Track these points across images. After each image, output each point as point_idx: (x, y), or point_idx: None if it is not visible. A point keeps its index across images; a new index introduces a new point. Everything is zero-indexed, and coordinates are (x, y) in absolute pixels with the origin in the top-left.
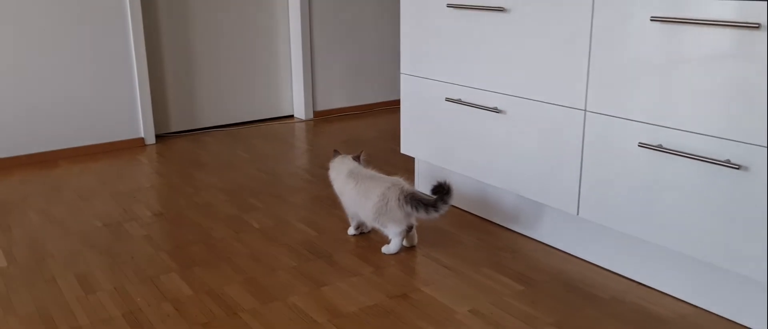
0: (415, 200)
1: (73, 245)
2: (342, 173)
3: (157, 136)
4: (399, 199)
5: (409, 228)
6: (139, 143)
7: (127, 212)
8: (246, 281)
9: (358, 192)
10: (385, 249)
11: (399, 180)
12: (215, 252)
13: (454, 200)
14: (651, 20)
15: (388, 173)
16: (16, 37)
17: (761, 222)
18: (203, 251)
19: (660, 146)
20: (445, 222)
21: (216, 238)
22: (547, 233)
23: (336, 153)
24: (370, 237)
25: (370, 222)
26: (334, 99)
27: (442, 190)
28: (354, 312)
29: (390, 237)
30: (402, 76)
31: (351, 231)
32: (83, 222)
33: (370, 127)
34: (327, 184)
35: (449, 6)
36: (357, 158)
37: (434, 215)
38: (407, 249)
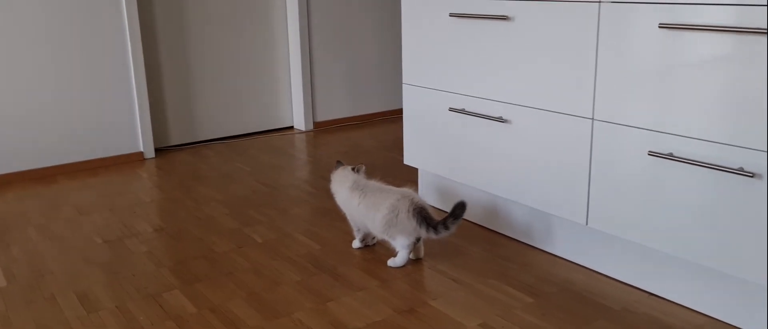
0: (421, 217)
1: (73, 262)
2: (345, 186)
3: (157, 150)
4: (409, 211)
5: (417, 240)
6: (138, 157)
7: (127, 227)
8: (249, 297)
9: (366, 205)
10: (391, 262)
11: (409, 192)
12: (218, 267)
13: None
14: (659, 27)
15: (393, 184)
16: (12, 50)
17: None
18: (205, 266)
19: (670, 154)
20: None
21: (218, 253)
22: (555, 243)
23: (338, 164)
24: (375, 250)
25: (379, 235)
26: (334, 109)
27: (454, 212)
28: (361, 328)
29: (397, 249)
30: (404, 86)
31: (356, 244)
32: (83, 239)
33: (371, 137)
34: (329, 196)
35: (452, 15)
36: (356, 170)
37: (433, 236)
38: (413, 262)
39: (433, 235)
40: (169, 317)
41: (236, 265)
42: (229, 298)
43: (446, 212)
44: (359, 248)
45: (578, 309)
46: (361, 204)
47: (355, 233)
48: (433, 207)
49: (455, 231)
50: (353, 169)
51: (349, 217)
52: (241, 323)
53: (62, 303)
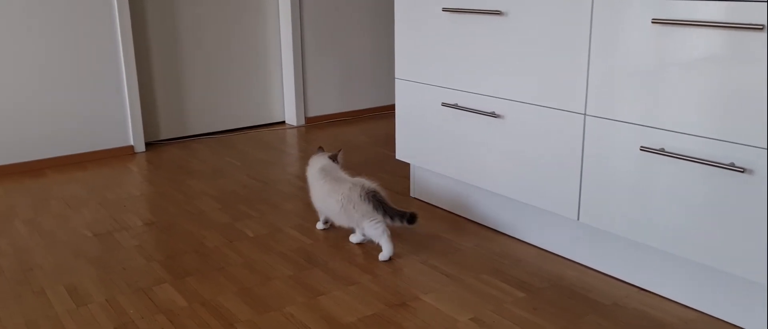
0: (376, 199)
1: (62, 256)
2: (314, 169)
3: (147, 144)
4: (361, 196)
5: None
6: (128, 151)
7: (117, 221)
8: (241, 291)
9: (324, 192)
10: (381, 256)
11: (361, 180)
12: (209, 261)
13: (453, 207)
14: (652, 22)
15: (382, 178)
16: (0, 42)
17: (766, 225)
18: (196, 260)
19: (662, 150)
20: (442, 229)
21: (209, 247)
22: (547, 239)
23: (320, 150)
24: (366, 245)
25: (345, 225)
26: (326, 105)
27: (407, 217)
28: (353, 322)
29: (375, 240)
30: (397, 81)
31: (319, 225)
32: (72, 233)
33: (362, 133)
34: None
35: (445, 10)
36: (334, 157)
37: (389, 222)
38: (403, 256)
39: (388, 221)
40: (159, 310)
41: (227, 260)
42: (220, 292)
43: (435, 206)
44: (324, 229)
45: (569, 304)
46: (321, 189)
47: (319, 214)
48: (424, 202)
49: (408, 225)
50: (330, 157)
51: (312, 199)
52: (233, 317)
53: (51, 296)
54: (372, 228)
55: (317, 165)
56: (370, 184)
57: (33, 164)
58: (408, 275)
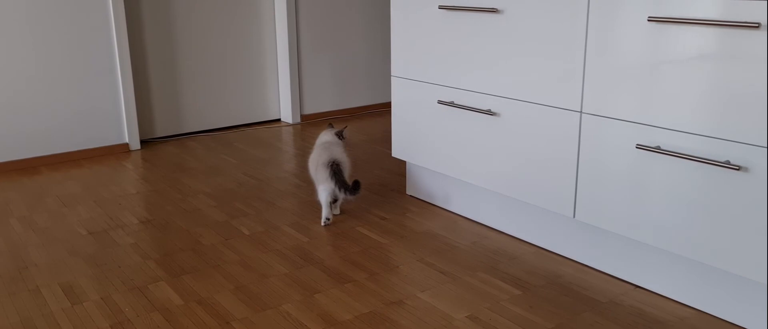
0: (332, 169)
1: (57, 254)
2: (319, 141)
3: (142, 142)
4: (325, 164)
5: (334, 200)
6: (123, 149)
7: (112, 219)
8: (237, 289)
9: (312, 157)
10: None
11: (336, 154)
12: (205, 259)
13: (449, 204)
14: (648, 20)
15: (378, 176)
16: None
17: (762, 223)
18: (192, 258)
19: (658, 148)
20: (439, 227)
21: (205, 245)
22: (542, 236)
23: (330, 126)
24: (363, 243)
25: (317, 187)
26: (322, 102)
27: (354, 186)
28: (349, 320)
29: (321, 201)
30: (393, 78)
31: (324, 220)
32: (67, 231)
33: (359, 131)
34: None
35: (441, 7)
36: (340, 133)
37: (334, 190)
38: (399, 254)
39: (339, 193)
40: (155, 309)
41: (223, 257)
42: (216, 290)
43: (431, 204)
44: (326, 224)
45: (565, 301)
46: (312, 155)
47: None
48: (420, 199)
49: (353, 199)
50: (336, 133)
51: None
52: (229, 315)
53: (46, 295)
54: (322, 192)
55: (322, 139)
56: (339, 157)
57: (28, 161)
58: (404, 273)
